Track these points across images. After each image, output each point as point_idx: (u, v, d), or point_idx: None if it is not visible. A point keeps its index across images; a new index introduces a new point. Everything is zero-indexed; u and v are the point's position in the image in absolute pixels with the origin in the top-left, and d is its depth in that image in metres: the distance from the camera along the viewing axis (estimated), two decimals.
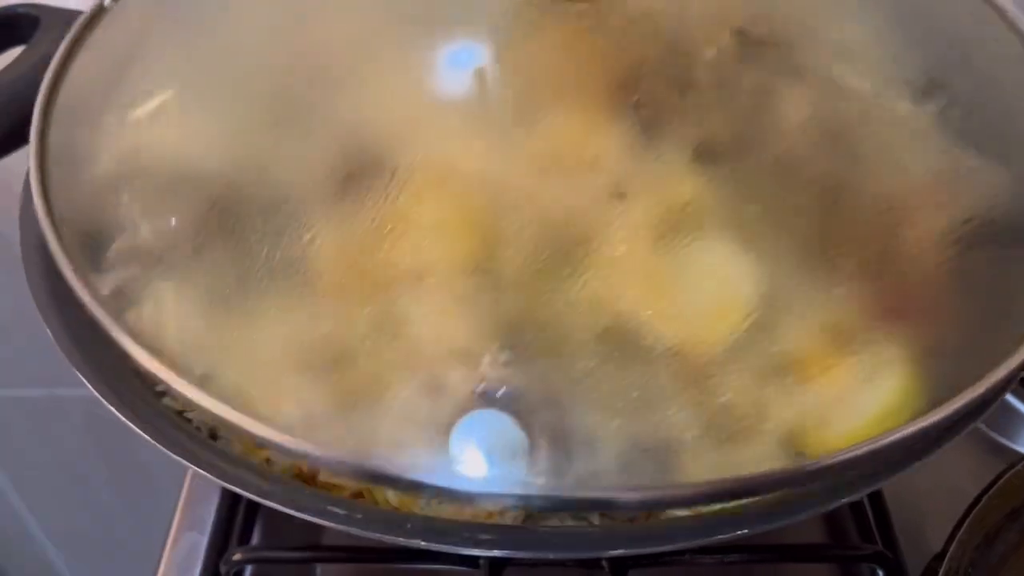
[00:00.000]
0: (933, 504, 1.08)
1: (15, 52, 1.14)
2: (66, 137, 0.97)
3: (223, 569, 0.98)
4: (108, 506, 1.44)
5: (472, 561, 0.92)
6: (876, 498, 1.05)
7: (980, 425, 1.18)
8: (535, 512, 0.79)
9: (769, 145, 0.92)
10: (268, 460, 0.81)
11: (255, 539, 1.07)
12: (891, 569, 0.98)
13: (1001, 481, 0.96)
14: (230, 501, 1.06)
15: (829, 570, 1.06)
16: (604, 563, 0.92)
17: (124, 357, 0.92)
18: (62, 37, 1.17)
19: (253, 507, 1.07)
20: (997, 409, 1.19)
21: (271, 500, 0.72)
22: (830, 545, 1.05)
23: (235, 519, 1.05)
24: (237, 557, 0.97)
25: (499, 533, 0.71)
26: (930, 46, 0.89)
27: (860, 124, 0.92)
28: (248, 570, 1.04)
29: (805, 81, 0.91)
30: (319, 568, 1.06)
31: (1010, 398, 1.21)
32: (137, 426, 0.76)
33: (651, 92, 0.93)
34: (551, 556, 0.71)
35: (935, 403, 0.84)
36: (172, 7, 0.98)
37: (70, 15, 1.27)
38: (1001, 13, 0.89)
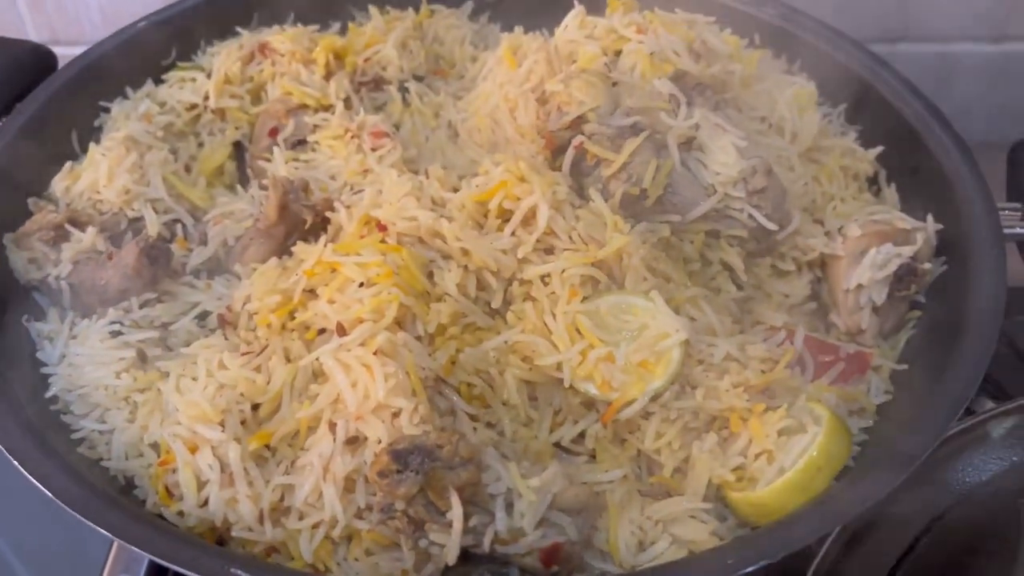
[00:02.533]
0: (884, 538, 1.07)
1: None
2: None
3: None
4: (49, 546, 1.41)
5: None
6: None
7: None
8: (455, 568, 0.78)
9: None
10: (181, 513, 0.80)
11: None
12: None
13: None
14: None
15: None
16: None
17: (45, 402, 0.92)
18: None
19: None
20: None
21: (172, 562, 0.70)
22: None
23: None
24: None
25: None
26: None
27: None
28: None
29: None
30: None
31: None
32: (42, 484, 0.75)
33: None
34: None
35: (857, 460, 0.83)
36: None
37: None
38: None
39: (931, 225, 1.01)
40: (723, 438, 0.85)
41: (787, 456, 0.81)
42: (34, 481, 0.75)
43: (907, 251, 0.97)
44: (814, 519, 0.76)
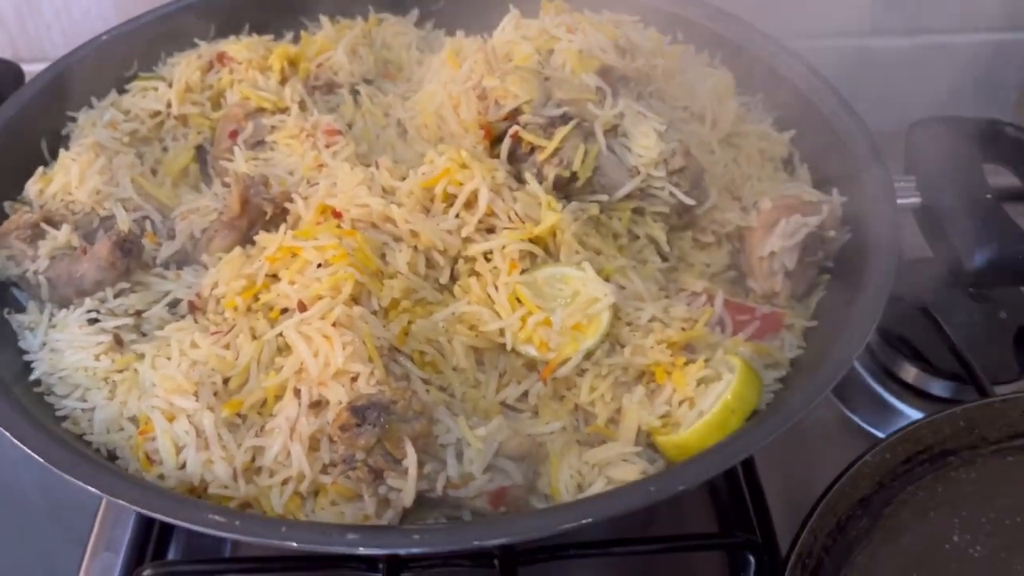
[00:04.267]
0: (819, 490, 1.15)
1: None
2: None
3: None
4: (49, 536, 1.47)
5: (372, 564, 0.98)
6: (755, 489, 1.13)
7: (854, 417, 1.29)
8: (413, 514, 0.87)
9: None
10: (162, 476, 0.88)
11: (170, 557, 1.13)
12: (760, 555, 1.07)
13: (850, 471, 1.05)
14: (145, 522, 1.12)
15: (721, 557, 1.13)
16: (496, 561, 1.00)
17: (29, 384, 0.99)
18: None
19: (166, 529, 1.13)
20: (864, 397, 1.30)
21: (157, 513, 0.79)
22: (703, 535, 1.13)
23: (149, 539, 1.11)
24: (148, 572, 1.03)
25: (364, 532, 0.79)
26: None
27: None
28: None
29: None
30: None
31: (875, 385, 1.32)
32: (32, 450, 0.82)
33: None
34: (415, 551, 0.78)
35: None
36: None
37: None
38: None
39: (836, 198, 1.12)
40: (650, 390, 0.95)
41: (705, 401, 0.91)
42: (29, 451, 0.82)
43: (814, 221, 1.08)
44: (725, 451, 0.85)
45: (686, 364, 0.94)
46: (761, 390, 0.94)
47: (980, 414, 1.06)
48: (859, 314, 0.97)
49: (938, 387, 1.31)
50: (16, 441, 0.83)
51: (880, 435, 1.27)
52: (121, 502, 0.79)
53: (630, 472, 0.90)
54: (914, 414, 1.29)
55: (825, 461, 1.14)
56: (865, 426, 1.31)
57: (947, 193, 1.11)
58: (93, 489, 0.80)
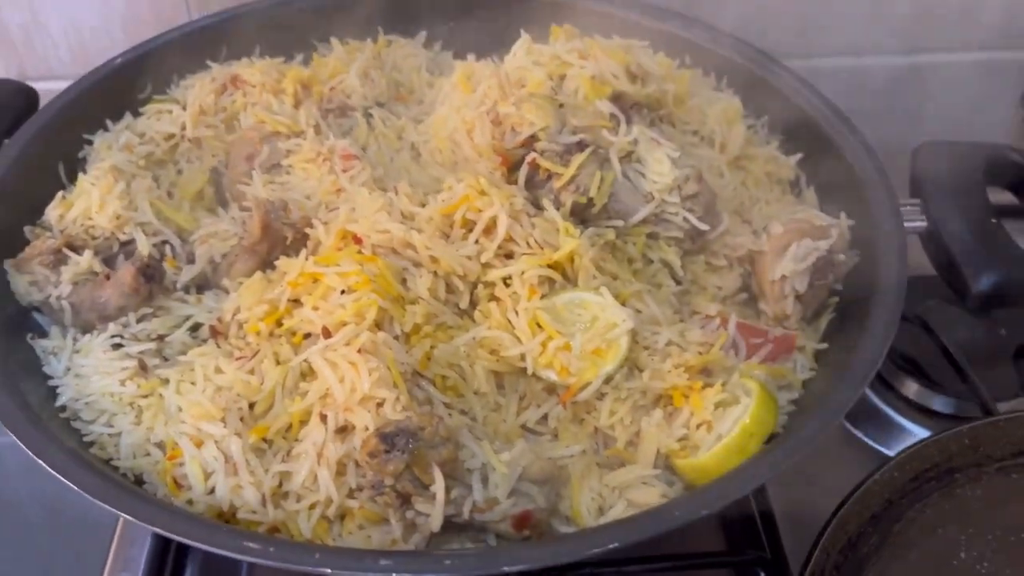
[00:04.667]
0: (825, 507, 1.17)
1: None
2: None
3: None
4: (48, 552, 1.48)
5: None
6: (764, 506, 1.15)
7: (857, 432, 1.32)
8: (438, 538, 0.88)
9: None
10: (190, 502, 0.89)
11: None
12: (771, 572, 1.09)
13: (860, 489, 1.07)
14: (162, 544, 1.13)
15: (730, 574, 1.15)
16: None
17: (55, 410, 1.00)
18: None
19: (183, 548, 1.14)
20: (867, 414, 1.32)
21: (192, 540, 0.80)
22: (714, 553, 1.15)
23: (166, 560, 1.12)
24: None
25: (397, 558, 0.81)
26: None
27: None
28: None
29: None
30: None
31: (878, 402, 1.34)
32: (66, 478, 0.83)
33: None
34: None
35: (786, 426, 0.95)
36: None
37: None
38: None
39: (844, 221, 1.14)
40: (668, 413, 0.97)
41: (723, 424, 0.93)
42: (68, 483, 0.83)
43: (824, 245, 1.10)
44: (747, 475, 0.88)
45: (703, 388, 0.96)
46: (778, 414, 0.97)
47: (984, 432, 1.09)
48: (871, 337, 0.99)
49: (940, 403, 1.33)
50: (50, 470, 0.85)
51: (883, 451, 1.30)
52: (156, 529, 0.80)
53: (650, 495, 0.92)
54: (917, 430, 1.31)
55: (829, 477, 1.16)
56: (869, 442, 1.33)
57: (953, 217, 1.14)
58: (129, 517, 0.81)
